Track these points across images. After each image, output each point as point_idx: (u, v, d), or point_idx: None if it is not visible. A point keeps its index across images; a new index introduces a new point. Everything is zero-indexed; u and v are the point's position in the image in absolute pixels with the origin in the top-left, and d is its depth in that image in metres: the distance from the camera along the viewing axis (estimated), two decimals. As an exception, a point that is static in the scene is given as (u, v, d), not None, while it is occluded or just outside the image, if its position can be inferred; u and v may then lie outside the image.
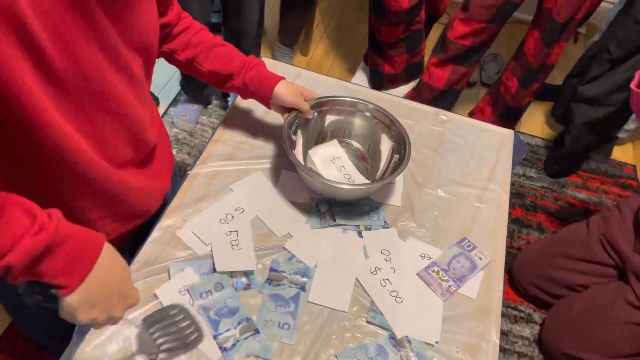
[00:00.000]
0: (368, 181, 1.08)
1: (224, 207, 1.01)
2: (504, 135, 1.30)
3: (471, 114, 2.18)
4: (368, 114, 1.12)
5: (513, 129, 2.14)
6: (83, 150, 0.69)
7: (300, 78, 1.32)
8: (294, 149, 1.06)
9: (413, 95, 2.12)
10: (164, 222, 0.97)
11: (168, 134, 1.03)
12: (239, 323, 0.85)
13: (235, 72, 1.01)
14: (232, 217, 0.99)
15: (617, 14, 1.91)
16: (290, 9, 2.24)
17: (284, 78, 1.03)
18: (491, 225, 1.08)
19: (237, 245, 0.95)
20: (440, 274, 0.98)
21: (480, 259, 1.01)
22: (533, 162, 2.17)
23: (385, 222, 1.05)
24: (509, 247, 1.88)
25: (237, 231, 0.97)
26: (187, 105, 2.05)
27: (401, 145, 1.06)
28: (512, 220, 1.99)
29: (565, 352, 1.50)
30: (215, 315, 0.85)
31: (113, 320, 0.68)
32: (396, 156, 1.06)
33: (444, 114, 1.30)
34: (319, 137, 1.13)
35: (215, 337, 0.83)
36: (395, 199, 1.09)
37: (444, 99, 2.04)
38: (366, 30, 2.20)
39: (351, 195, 1.04)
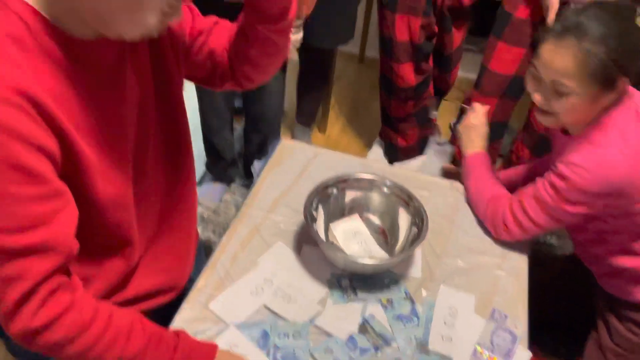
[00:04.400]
0: (388, 255, 1.12)
1: (253, 280, 1.05)
2: (518, 204, 1.33)
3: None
4: (386, 189, 1.18)
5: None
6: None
7: (318, 157, 1.39)
8: (315, 223, 1.11)
9: (452, 172, 2.14)
10: (193, 297, 1.01)
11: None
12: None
13: None
14: (262, 289, 1.03)
15: None
16: (306, 92, 2.36)
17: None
18: (511, 294, 1.10)
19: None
20: (489, 355, 0.98)
21: (516, 327, 1.02)
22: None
23: (406, 293, 1.07)
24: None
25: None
26: (211, 184, 2.14)
27: (419, 219, 1.10)
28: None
29: None
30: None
31: None
32: (414, 229, 1.10)
33: (458, 185, 1.35)
34: (340, 213, 1.18)
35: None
36: (415, 270, 1.12)
37: None
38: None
39: (372, 269, 1.08)
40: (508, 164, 2.12)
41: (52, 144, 0.67)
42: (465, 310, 1.05)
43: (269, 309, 1.01)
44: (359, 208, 1.20)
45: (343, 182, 1.17)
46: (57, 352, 0.72)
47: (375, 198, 1.19)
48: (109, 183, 0.77)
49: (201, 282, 1.04)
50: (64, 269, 0.72)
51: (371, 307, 1.04)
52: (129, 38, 0.71)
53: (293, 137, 2.46)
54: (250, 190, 1.28)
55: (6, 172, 0.64)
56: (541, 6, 1.57)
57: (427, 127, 2.26)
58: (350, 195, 1.19)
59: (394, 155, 2.35)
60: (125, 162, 0.81)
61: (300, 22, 1.46)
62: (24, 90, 0.63)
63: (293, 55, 1.52)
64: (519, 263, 1.17)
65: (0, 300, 0.68)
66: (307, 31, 2.00)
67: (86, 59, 0.73)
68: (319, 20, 1.97)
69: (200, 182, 2.16)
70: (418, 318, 1.02)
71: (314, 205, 1.12)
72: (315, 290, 1.05)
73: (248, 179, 2.23)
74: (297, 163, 1.36)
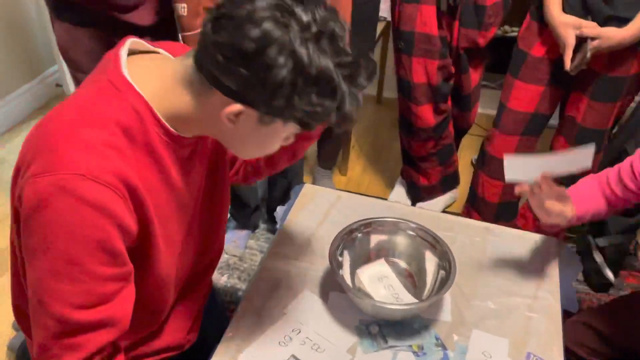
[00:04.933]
0: (416, 300, 1.10)
1: (281, 330, 1.05)
2: (548, 243, 1.31)
3: (515, 221, 2.19)
4: (411, 232, 1.17)
5: (557, 233, 2.11)
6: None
7: (340, 200, 1.40)
8: (341, 269, 1.10)
9: (469, 211, 2.13)
10: (222, 350, 1.01)
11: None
12: None
13: None
14: (290, 338, 1.03)
15: (633, 111, 1.93)
16: (326, 135, 2.40)
17: None
18: (544, 335, 1.07)
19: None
20: None
21: None
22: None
23: (437, 338, 1.05)
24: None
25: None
26: (236, 231, 2.16)
27: (446, 262, 1.09)
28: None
29: None
30: None
31: None
32: (442, 272, 1.09)
33: (485, 225, 1.34)
34: (365, 257, 1.18)
35: None
36: (445, 314, 1.10)
37: (503, 211, 2.04)
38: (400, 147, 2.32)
39: (401, 314, 1.06)
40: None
41: (135, 229, 0.73)
42: (499, 355, 1.03)
43: (297, 359, 1.00)
44: (384, 252, 1.19)
45: (367, 226, 1.17)
46: None
47: (401, 241, 1.19)
48: (166, 265, 0.83)
49: (229, 333, 1.04)
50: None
51: (402, 354, 1.02)
52: (245, 156, 0.87)
53: (314, 180, 2.48)
54: (275, 237, 1.29)
55: (98, 253, 0.69)
56: (558, 44, 1.58)
57: (448, 165, 2.26)
58: (375, 239, 1.19)
59: (416, 194, 2.35)
60: (178, 244, 0.87)
61: None
62: (125, 178, 0.69)
63: None
64: (551, 303, 1.14)
65: None
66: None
67: (180, 154, 0.80)
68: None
69: (225, 230, 2.18)
70: (450, 364, 1.00)
71: (339, 250, 1.12)
72: (344, 338, 1.04)
73: (272, 224, 2.25)
74: (320, 207, 1.37)
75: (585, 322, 1.38)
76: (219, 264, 2.07)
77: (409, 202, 2.38)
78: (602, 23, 1.51)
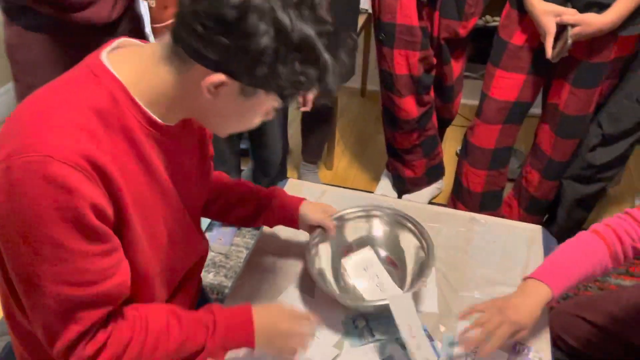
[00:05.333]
0: (400, 289, 1.10)
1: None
2: (532, 231, 1.31)
3: (500, 210, 2.19)
4: (386, 218, 1.17)
5: (542, 221, 2.12)
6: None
7: (325, 195, 1.39)
8: (320, 264, 1.09)
9: (454, 202, 2.13)
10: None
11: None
12: None
13: (260, 209, 1.12)
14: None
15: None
16: (310, 130, 2.38)
17: (305, 199, 1.12)
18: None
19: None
20: None
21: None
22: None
23: (424, 330, 1.04)
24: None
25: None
26: (221, 228, 2.14)
27: (424, 244, 1.09)
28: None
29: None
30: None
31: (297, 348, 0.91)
32: (422, 254, 1.09)
33: (471, 215, 1.34)
34: (345, 249, 1.16)
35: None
36: (432, 305, 1.10)
37: (487, 200, 2.05)
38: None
39: (382, 308, 1.05)
40: (518, 189, 2.10)
41: (111, 212, 0.72)
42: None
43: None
44: (362, 241, 1.18)
45: (341, 219, 1.16)
46: None
47: (378, 228, 1.18)
48: (146, 256, 0.81)
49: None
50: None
51: (389, 347, 1.01)
52: (222, 133, 0.82)
53: (300, 176, 2.47)
54: (260, 233, 1.28)
55: (77, 233, 0.68)
56: (538, 32, 1.58)
57: (433, 157, 2.26)
58: (351, 229, 1.17)
59: (402, 187, 2.35)
60: (163, 237, 0.85)
61: None
62: (94, 160, 0.68)
63: None
64: (538, 291, 1.14)
65: (57, 335, 0.73)
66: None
67: (166, 145, 0.79)
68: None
69: (211, 228, 2.16)
70: (438, 355, 1.00)
71: (318, 246, 1.11)
72: (331, 333, 1.03)
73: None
74: (305, 203, 1.35)
75: (578, 315, 1.39)
76: (206, 262, 2.06)
77: (395, 194, 2.38)
78: (582, 9, 1.51)
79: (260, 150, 1.99)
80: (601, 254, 1.02)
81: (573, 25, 1.50)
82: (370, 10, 2.31)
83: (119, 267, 0.75)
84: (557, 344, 1.53)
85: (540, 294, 0.98)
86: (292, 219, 1.12)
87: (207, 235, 2.16)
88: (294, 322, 0.92)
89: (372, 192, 2.36)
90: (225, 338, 0.85)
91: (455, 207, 2.08)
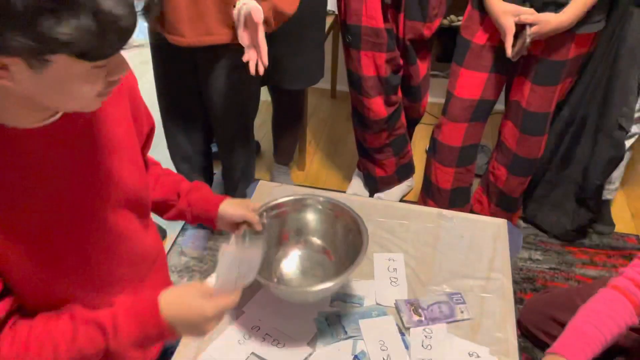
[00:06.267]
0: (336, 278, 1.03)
1: (240, 328, 1.04)
2: (498, 225, 1.35)
3: (470, 206, 2.24)
4: (320, 207, 1.15)
5: (513, 217, 2.18)
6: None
7: (297, 196, 1.40)
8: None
9: (424, 199, 2.17)
10: (182, 352, 1.00)
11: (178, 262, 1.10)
12: None
13: (178, 197, 1.05)
14: (250, 336, 1.03)
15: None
16: (281, 131, 2.40)
17: (227, 197, 1.07)
18: (499, 315, 1.10)
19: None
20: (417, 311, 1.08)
21: (462, 312, 1.10)
22: (537, 244, 2.20)
23: (396, 325, 1.07)
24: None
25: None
26: (195, 230, 2.13)
27: (357, 228, 1.07)
28: (528, 305, 1.97)
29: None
30: None
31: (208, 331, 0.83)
32: (350, 237, 1.08)
33: (438, 211, 1.37)
34: (278, 240, 1.15)
35: None
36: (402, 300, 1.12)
37: (456, 197, 2.09)
38: (356, 140, 2.34)
39: (324, 294, 1.05)
40: (487, 184, 2.15)
41: None
42: (457, 337, 1.06)
43: (258, 356, 1.00)
44: (298, 231, 1.16)
45: (273, 209, 1.13)
46: None
47: (312, 219, 1.16)
48: (18, 258, 0.76)
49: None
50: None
51: (361, 343, 1.03)
52: (68, 110, 0.74)
53: (272, 177, 2.47)
54: (231, 237, 1.28)
55: None
56: (499, 31, 1.63)
57: (403, 156, 2.29)
58: (284, 220, 1.15)
59: (373, 186, 2.38)
60: (43, 236, 0.78)
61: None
62: None
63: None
64: (504, 282, 1.18)
65: None
66: (278, 75, 2.04)
67: (29, 147, 0.72)
68: (288, 64, 2.02)
69: (184, 232, 2.15)
70: (408, 348, 1.02)
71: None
72: (304, 331, 1.05)
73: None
74: (277, 204, 1.36)
75: (551, 317, 1.43)
76: (178, 267, 2.06)
77: (367, 193, 2.41)
78: (540, 9, 1.56)
79: (226, 154, 1.99)
80: (626, 314, 1.01)
81: (531, 25, 1.55)
82: (337, 12, 2.33)
83: None
84: (527, 336, 1.58)
85: None
86: (210, 217, 1.05)
87: (180, 239, 2.15)
88: (208, 311, 0.81)
89: (344, 192, 2.39)
90: (131, 335, 0.78)
91: (425, 204, 2.12)
